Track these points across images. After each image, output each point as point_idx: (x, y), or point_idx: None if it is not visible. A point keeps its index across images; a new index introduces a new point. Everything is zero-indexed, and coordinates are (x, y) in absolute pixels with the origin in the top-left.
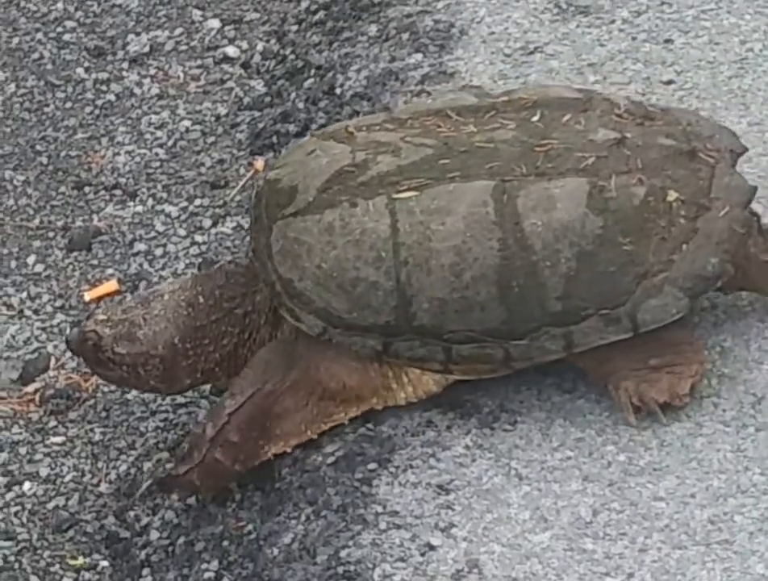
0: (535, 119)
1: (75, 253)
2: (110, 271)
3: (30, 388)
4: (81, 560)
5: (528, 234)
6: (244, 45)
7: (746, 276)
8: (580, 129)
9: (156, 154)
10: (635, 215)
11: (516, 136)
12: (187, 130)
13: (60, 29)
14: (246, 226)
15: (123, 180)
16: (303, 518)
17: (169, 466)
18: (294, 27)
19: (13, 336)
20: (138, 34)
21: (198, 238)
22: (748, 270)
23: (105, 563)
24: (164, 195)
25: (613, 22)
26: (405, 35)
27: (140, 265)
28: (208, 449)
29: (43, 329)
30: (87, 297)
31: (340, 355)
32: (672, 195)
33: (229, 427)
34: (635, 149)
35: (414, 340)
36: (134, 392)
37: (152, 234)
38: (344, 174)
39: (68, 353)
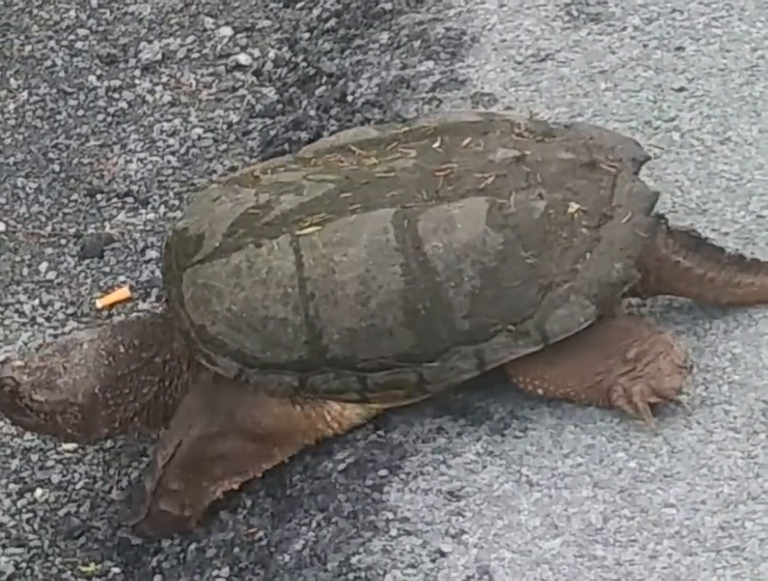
0: (436, 145)
1: (87, 261)
2: (122, 278)
3: None
4: (92, 567)
5: (430, 257)
6: (256, 53)
7: (661, 279)
8: (479, 151)
9: (168, 161)
10: (536, 228)
11: (417, 164)
12: (199, 137)
13: (72, 37)
14: None
15: (135, 187)
16: (314, 525)
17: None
18: (306, 35)
19: (25, 344)
20: (150, 42)
21: None
22: (661, 273)
23: (116, 570)
24: (176, 203)
25: (624, 29)
26: (416, 43)
27: (152, 272)
28: (151, 502)
29: (55, 336)
30: (99, 304)
31: (260, 400)
32: (573, 207)
33: (165, 477)
34: (534, 165)
35: (328, 373)
36: None
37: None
38: (248, 216)
39: None
